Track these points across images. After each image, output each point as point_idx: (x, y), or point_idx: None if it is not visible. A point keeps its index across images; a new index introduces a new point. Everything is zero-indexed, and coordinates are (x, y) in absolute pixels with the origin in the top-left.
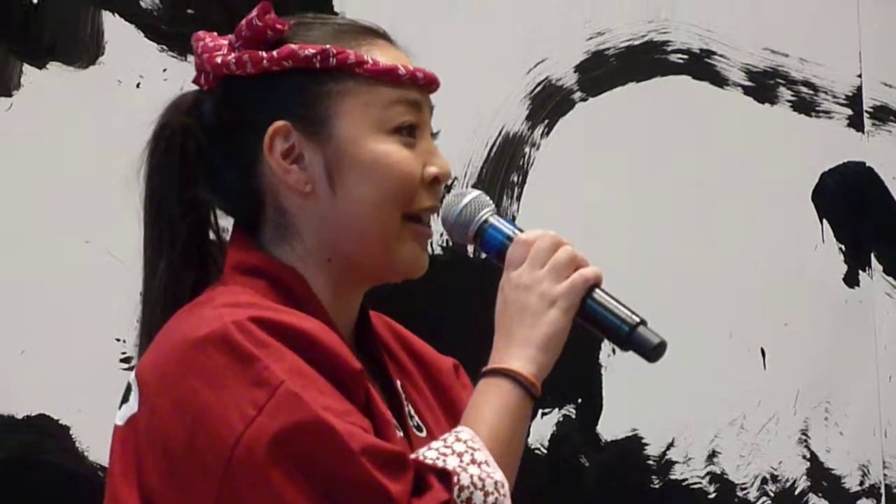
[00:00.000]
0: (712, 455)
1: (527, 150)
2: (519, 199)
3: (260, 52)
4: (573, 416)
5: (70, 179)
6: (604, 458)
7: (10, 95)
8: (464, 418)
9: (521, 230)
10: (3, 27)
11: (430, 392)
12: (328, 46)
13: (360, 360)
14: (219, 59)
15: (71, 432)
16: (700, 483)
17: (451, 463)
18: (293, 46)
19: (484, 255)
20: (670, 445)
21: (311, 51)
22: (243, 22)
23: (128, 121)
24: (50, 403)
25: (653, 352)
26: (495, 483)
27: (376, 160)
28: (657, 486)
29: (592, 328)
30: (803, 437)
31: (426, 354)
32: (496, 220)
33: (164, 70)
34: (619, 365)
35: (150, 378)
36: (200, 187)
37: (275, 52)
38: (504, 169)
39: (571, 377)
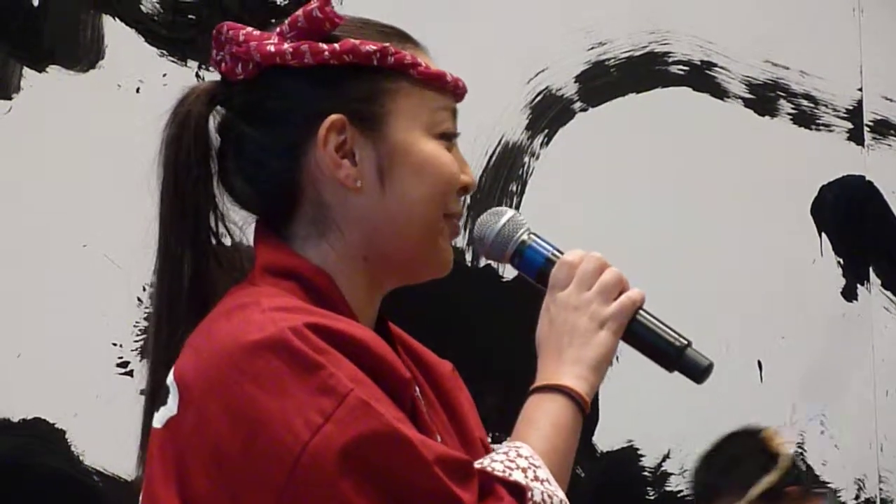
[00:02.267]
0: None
1: (526, 159)
2: (518, 208)
3: (320, 45)
4: None
5: (69, 183)
6: (600, 469)
7: (9, 98)
8: (518, 432)
9: (560, 251)
10: (3, 30)
11: (434, 396)
12: (388, 45)
13: None
14: (271, 48)
15: (66, 436)
16: None
17: (519, 478)
18: (354, 41)
19: (487, 265)
20: (666, 457)
21: (371, 47)
22: (300, 12)
23: (127, 125)
24: (46, 407)
25: (702, 374)
26: (560, 501)
27: (427, 160)
28: (652, 498)
29: (639, 349)
30: (799, 450)
31: (427, 358)
32: (534, 241)
33: (164, 75)
34: (615, 376)
35: (193, 381)
36: (232, 178)
37: (337, 45)
38: (503, 178)
39: None
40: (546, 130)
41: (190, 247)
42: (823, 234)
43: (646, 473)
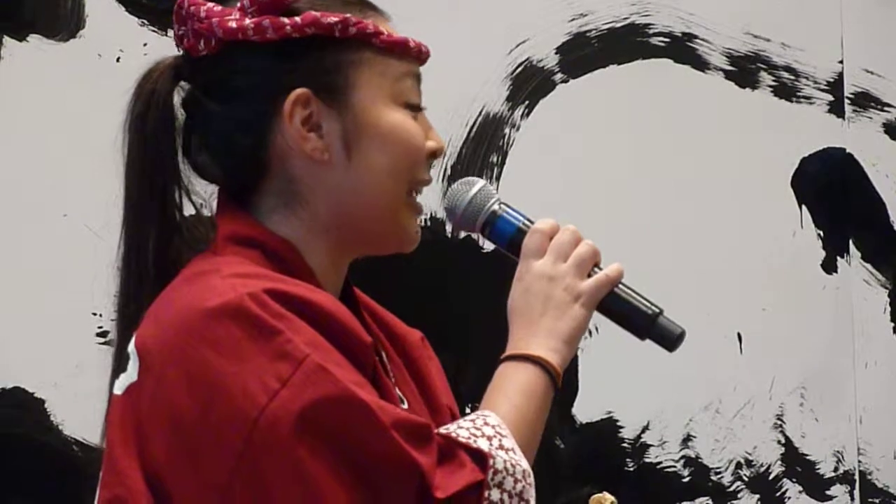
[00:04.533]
0: (687, 439)
1: (507, 130)
2: (498, 179)
3: (282, 19)
4: None
5: (48, 153)
6: (579, 441)
7: None
8: (488, 400)
9: (531, 220)
10: None
11: (402, 363)
12: (349, 16)
13: None
14: (233, 24)
15: (45, 406)
16: (674, 467)
17: (483, 445)
18: (315, 14)
19: (466, 237)
20: (645, 429)
21: (333, 19)
22: None
23: (107, 95)
24: (25, 377)
25: (675, 341)
26: (523, 471)
27: (392, 130)
28: (632, 469)
29: (611, 318)
30: (778, 423)
31: (396, 326)
32: (505, 210)
33: (145, 44)
34: (595, 348)
35: (153, 348)
36: (196, 154)
37: (298, 19)
38: (484, 150)
39: None
40: (527, 102)
41: (156, 224)
42: (804, 207)
43: (625, 445)
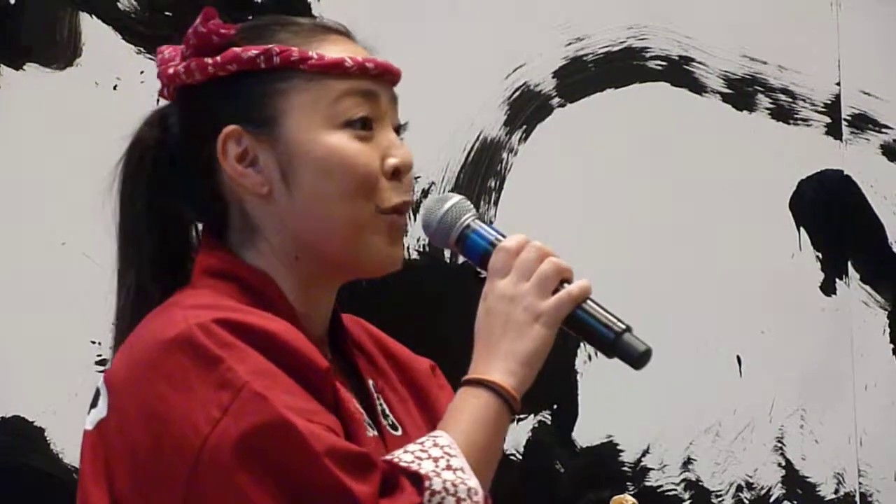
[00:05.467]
0: (687, 462)
1: (504, 155)
2: (496, 204)
3: (205, 59)
4: (549, 422)
5: (46, 181)
6: (579, 465)
7: None
8: (442, 424)
9: (504, 236)
10: None
11: (408, 393)
12: (271, 46)
13: (334, 359)
14: (171, 70)
15: (45, 434)
16: (675, 490)
17: (426, 467)
18: (237, 50)
19: (465, 261)
20: (645, 452)
21: (253, 52)
22: (190, 30)
23: (105, 122)
24: (25, 405)
25: (638, 359)
26: (468, 489)
27: (328, 155)
28: (632, 493)
29: (578, 336)
30: (779, 445)
31: (402, 356)
32: (478, 226)
33: (142, 72)
34: (595, 371)
35: (117, 382)
36: (172, 198)
37: (218, 58)
38: (482, 174)
39: (547, 383)
40: (524, 126)
41: (136, 265)
42: (802, 229)
43: (625, 469)
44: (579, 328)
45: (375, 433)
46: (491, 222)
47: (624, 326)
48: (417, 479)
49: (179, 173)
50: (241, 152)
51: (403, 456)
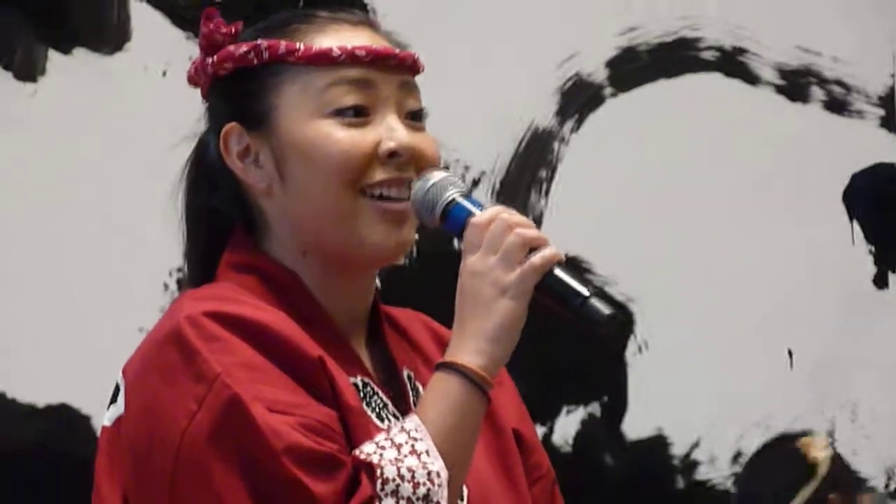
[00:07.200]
0: (738, 455)
1: (556, 145)
2: (547, 194)
3: (207, 60)
4: (598, 415)
5: (95, 167)
6: (628, 458)
7: (35, 81)
8: (416, 408)
9: (482, 209)
10: (29, 12)
11: None
12: (259, 41)
13: (373, 351)
14: (190, 72)
15: (91, 422)
16: (725, 484)
17: (388, 455)
18: (231, 48)
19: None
20: (695, 446)
21: (244, 49)
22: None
23: (153, 108)
24: (71, 393)
25: (604, 323)
26: (429, 473)
27: (313, 143)
28: (681, 487)
29: (551, 305)
30: (829, 439)
31: None
32: (461, 200)
33: (191, 58)
34: (645, 363)
35: (128, 378)
36: (214, 198)
37: (214, 58)
38: (533, 164)
39: (597, 376)
40: (576, 116)
41: (204, 277)
42: (855, 222)
43: (675, 462)
44: (549, 297)
45: (387, 424)
46: (541, 214)
47: (589, 292)
48: (370, 470)
49: (216, 174)
50: (243, 149)
51: (366, 447)
